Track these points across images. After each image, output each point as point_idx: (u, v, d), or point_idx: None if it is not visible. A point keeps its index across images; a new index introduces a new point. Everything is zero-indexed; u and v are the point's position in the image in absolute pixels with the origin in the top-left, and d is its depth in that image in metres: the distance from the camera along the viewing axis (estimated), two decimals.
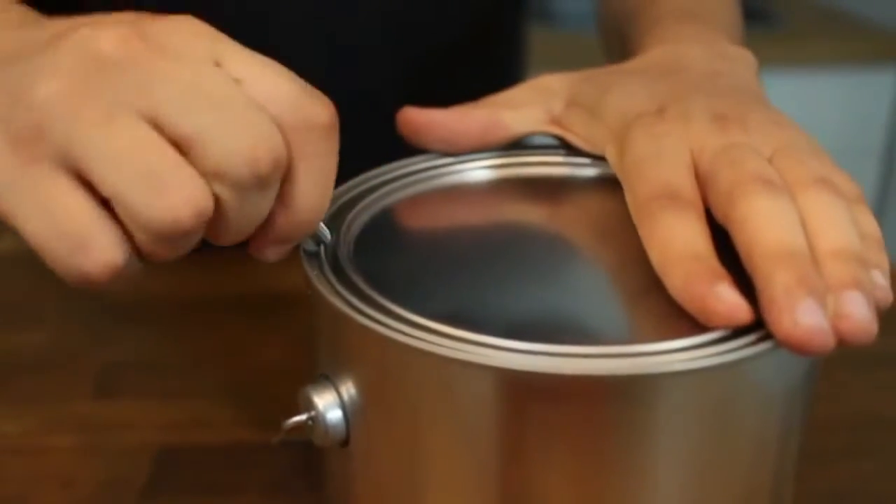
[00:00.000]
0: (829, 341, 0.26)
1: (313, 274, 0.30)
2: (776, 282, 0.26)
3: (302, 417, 0.30)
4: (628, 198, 0.33)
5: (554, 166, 0.38)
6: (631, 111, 0.36)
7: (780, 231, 0.28)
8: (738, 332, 0.27)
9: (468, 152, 0.39)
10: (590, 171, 0.38)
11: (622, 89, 0.37)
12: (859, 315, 0.26)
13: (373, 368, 0.28)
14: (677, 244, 0.29)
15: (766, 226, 0.28)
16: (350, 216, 0.35)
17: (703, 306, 0.27)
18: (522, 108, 0.39)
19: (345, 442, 0.30)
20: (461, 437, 0.27)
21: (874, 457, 0.47)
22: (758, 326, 0.27)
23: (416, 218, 0.36)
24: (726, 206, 0.30)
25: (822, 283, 0.27)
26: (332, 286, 0.29)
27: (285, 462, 0.46)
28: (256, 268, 0.65)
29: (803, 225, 0.29)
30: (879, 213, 1.68)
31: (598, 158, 0.37)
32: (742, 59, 0.40)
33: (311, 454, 0.34)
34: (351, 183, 0.37)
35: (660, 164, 0.32)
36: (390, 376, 0.28)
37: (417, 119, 0.38)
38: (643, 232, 0.31)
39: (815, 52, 1.57)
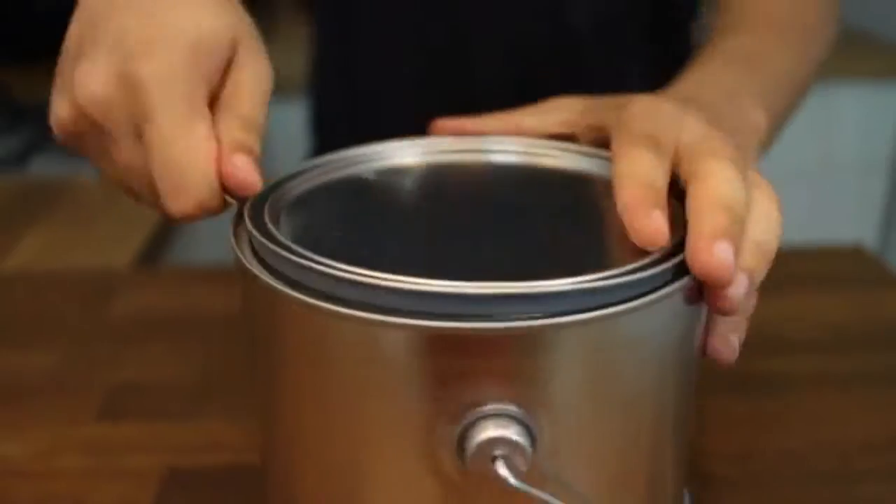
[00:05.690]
0: (731, 277, 0.30)
1: (238, 251, 0.32)
2: (710, 219, 0.30)
3: None
4: (614, 145, 0.35)
5: (515, 154, 0.41)
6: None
7: (731, 191, 0.31)
8: (617, 286, 0.29)
9: None
10: (551, 162, 0.40)
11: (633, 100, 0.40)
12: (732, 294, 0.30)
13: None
14: (639, 171, 0.33)
15: (721, 185, 0.31)
16: (286, 188, 0.36)
17: (636, 224, 0.31)
18: (542, 114, 0.44)
19: None
20: (384, 393, 0.29)
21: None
22: (638, 284, 0.29)
23: (349, 195, 0.38)
24: (696, 165, 0.33)
25: (741, 242, 0.31)
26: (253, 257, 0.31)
27: None
28: None
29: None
30: (886, 225, 1.68)
31: (599, 155, 0.40)
32: (747, 126, 0.45)
33: None
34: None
35: (653, 120, 0.36)
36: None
37: (447, 127, 0.44)
38: (617, 163, 0.34)
39: (825, 67, 1.57)
